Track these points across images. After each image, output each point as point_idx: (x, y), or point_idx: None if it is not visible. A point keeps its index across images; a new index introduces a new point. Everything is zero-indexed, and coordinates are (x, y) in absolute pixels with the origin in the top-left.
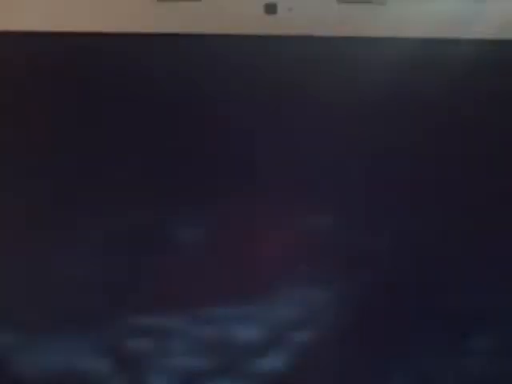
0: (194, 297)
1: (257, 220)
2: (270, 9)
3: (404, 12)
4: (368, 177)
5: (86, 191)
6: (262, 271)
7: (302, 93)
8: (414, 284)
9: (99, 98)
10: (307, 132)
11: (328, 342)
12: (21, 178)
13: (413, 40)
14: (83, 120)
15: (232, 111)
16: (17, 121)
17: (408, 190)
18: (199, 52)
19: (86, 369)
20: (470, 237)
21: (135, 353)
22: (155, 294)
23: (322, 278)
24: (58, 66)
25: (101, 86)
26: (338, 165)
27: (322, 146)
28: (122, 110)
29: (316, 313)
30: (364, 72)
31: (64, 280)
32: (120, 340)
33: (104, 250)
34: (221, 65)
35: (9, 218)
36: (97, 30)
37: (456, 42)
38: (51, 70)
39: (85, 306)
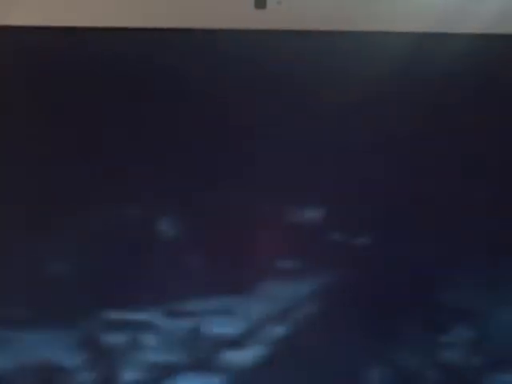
0: (169, 291)
1: (236, 215)
2: (260, 3)
3: (397, 6)
4: (357, 171)
5: (67, 189)
6: (240, 266)
7: (292, 87)
8: (402, 284)
9: (89, 92)
10: (298, 127)
11: (306, 337)
12: (8, 173)
13: (407, 34)
14: (77, 116)
15: (221, 105)
16: (11, 116)
17: (402, 190)
18: (189, 46)
19: (61, 363)
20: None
21: (111, 347)
22: (132, 288)
23: (301, 273)
24: (49, 61)
25: (91, 80)
26: (330, 160)
27: (314, 141)
28: (113, 103)
29: (295, 308)
30: (356, 67)
31: (39, 275)
32: (97, 334)
33: (79, 245)
34: (211, 59)
35: None
36: (86, 24)
37: (451, 36)
38: (43, 64)
39: (59, 301)
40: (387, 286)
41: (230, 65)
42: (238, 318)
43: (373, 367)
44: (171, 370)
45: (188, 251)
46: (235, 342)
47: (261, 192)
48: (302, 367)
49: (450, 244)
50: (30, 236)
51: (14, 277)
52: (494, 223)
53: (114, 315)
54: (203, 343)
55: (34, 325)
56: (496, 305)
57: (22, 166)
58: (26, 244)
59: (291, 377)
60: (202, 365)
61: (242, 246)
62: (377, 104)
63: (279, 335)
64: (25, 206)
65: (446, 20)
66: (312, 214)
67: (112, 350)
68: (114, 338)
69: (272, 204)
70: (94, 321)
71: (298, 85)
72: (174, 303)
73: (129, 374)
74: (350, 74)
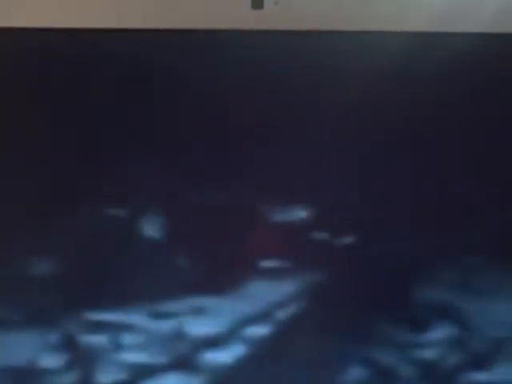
0: (152, 292)
1: (219, 215)
2: (257, 3)
3: (395, 5)
4: (347, 172)
5: (51, 188)
6: (223, 266)
7: (289, 88)
8: (385, 283)
9: (85, 92)
10: (294, 127)
11: (289, 337)
12: None
13: (405, 34)
14: (73, 116)
15: (217, 106)
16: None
17: (389, 191)
18: (185, 47)
19: (42, 364)
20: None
21: (93, 348)
22: (114, 289)
23: (284, 273)
24: (49, 62)
25: (86, 79)
26: (321, 160)
27: (308, 141)
28: (109, 102)
29: (278, 308)
30: (354, 67)
31: (20, 276)
32: (74, 335)
33: (60, 246)
34: (207, 59)
35: None
36: (84, 26)
37: (450, 35)
38: (43, 65)
39: (41, 302)
40: (370, 286)
41: (227, 65)
42: (221, 318)
43: (356, 366)
44: (154, 370)
45: (171, 251)
46: (218, 342)
47: (246, 191)
48: (284, 367)
49: (433, 243)
50: (10, 236)
51: None
52: (475, 223)
53: (96, 316)
54: (186, 343)
55: (14, 326)
56: (476, 303)
57: (7, 164)
58: (5, 244)
59: (274, 376)
60: (186, 365)
61: (226, 246)
62: (374, 104)
63: (262, 335)
64: (4, 205)
65: (445, 19)
66: (295, 214)
67: (94, 351)
68: (96, 339)
69: (256, 203)
70: (76, 322)
71: (295, 85)
72: (157, 304)
73: (111, 375)
74: (348, 74)
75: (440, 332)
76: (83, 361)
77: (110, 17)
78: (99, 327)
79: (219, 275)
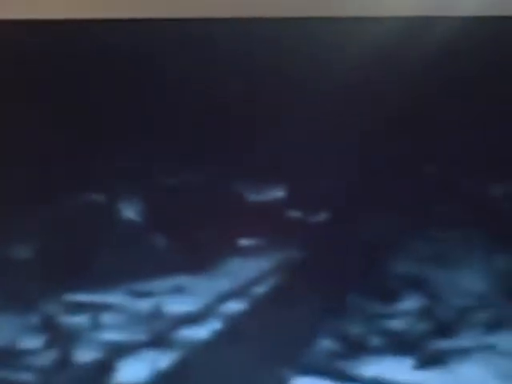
0: (131, 272)
1: (196, 195)
2: None
3: None
4: (320, 153)
5: (30, 175)
6: (197, 245)
7: (272, 73)
8: (357, 258)
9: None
10: (274, 109)
11: (266, 313)
12: None
13: (392, 19)
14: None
15: (196, 92)
16: None
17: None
18: (175, 35)
19: (21, 344)
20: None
21: (74, 328)
22: (93, 269)
23: (260, 251)
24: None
25: (79, 68)
26: (294, 141)
27: (288, 123)
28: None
29: (255, 285)
30: (339, 53)
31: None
32: (55, 316)
33: (41, 229)
34: (192, 47)
35: None
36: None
37: (448, 19)
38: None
39: (19, 284)
40: (342, 260)
41: (213, 52)
42: (199, 296)
43: (329, 337)
44: (134, 348)
45: (148, 232)
46: (196, 320)
47: (222, 172)
48: (260, 341)
49: (403, 218)
50: None
51: None
52: (444, 198)
53: (76, 297)
54: (165, 322)
55: None
56: (443, 275)
57: None
58: None
59: (250, 350)
60: (165, 343)
61: (203, 226)
62: (352, 87)
63: (239, 311)
64: None
65: (441, 3)
66: (270, 193)
67: (74, 331)
68: (76, 320)
69: (232, 183)
70: (56, 303)
71: (276, 68)
72: (135, 283)
73: (91, 354)
74: (330, 59)
75: (409, 302)
76: (64, 341)
77: (96, 6)
78: (79, 308)
79: (197, 254)
